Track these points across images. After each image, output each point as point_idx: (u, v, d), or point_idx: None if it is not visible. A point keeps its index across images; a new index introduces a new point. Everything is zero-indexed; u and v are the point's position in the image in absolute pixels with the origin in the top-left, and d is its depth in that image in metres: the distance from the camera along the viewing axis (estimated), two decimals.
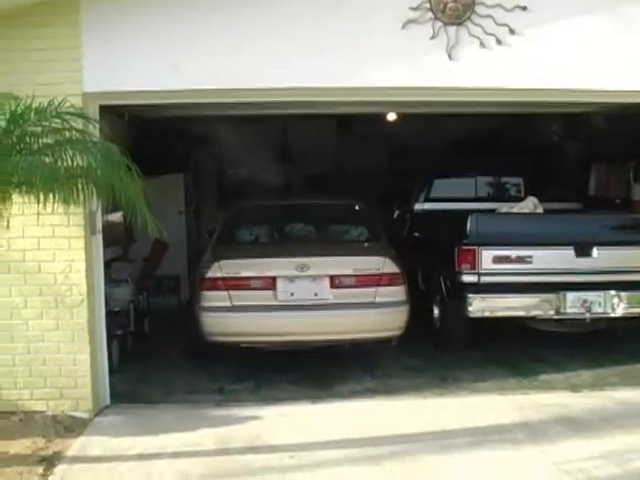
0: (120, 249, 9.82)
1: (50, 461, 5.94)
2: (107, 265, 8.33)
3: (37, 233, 6.79)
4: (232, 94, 7.21)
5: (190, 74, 6.88)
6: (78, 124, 6.01)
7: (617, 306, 8.53)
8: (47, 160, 5.43)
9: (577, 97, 7.80)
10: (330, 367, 8.52)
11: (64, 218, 6.72)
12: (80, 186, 5.60)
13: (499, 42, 7.10)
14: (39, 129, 5.70)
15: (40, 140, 5.65)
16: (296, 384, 8.01)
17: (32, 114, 5.66)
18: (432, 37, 7.02)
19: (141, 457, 6.08)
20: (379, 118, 12.63)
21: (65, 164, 5.50)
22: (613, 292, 8.50)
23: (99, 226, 7.22)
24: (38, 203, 5.49)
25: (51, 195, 5.37)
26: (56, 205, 5.64)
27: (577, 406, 7.16)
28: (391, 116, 12.40)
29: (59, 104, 5.83)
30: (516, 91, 7.37)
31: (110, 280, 8.63)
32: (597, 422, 6.70)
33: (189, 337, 8.70)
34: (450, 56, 7.07)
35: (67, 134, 5.77)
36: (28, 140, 5.64)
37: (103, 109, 7.14)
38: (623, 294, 8.51)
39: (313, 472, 5.71)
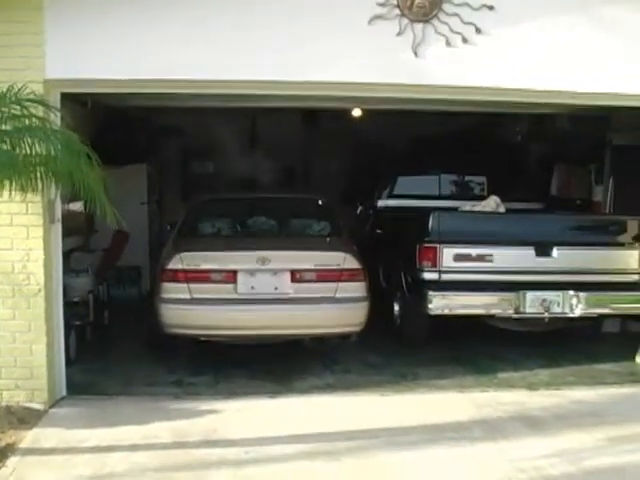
0: (80, 239, 9.72)
1: (3, 453, 5.86)
2: (67, 255, 8.25)
3: None
4: (193, 85, 7.16)
5: (152, 64, 6.82)
6: (39, 111, 5.94)
7: (575, 306, 8.60)
8: (4, 147, 5.36)
9: (542, 98, 7.82)
10: (290, 362, 8.51)
11: (22, 206, 6.62)
12: (39, 174, 5.55)
13: (465, 41, 7.13)
14: None
15: None
16: (255, 378, 7.99)
17: None
18: (398, 34, 7.03)
19: (96, 449, 6.02)
20: (345, 114, 12.62)
21: (24, 152, 5.44)
22: (572, 292, 8.58)
23: (58, 215, 7.13)
24: None
25: (8, 183, 5.30)
26: (14, 193, 5.56)
27: (534, 404, 7.23)
28: (356, 112, 12.39)
29: (19, 90, 5.75)
30: (481, 90, 7.39)
31: (69, 270, 8.53)
32: (553, 420, 6.77)
33: (149, 329, 8.63)
34: (416, 53, 7.08)
35: (27, 121, 5.69)
36: None
37: (65, 97, 7.03)
38: (582, 294, 8.59)
39: (269, 466, 5.70)
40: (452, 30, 7.09)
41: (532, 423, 6.68)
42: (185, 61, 6.86)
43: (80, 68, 6.74)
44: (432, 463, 5.80)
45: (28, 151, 5.46)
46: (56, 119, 6.31)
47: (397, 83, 7.20)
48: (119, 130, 11.88)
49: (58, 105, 6.74)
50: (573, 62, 7.33)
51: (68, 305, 7.80)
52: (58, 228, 7.17)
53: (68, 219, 7.88)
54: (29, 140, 5.46)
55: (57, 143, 5.55)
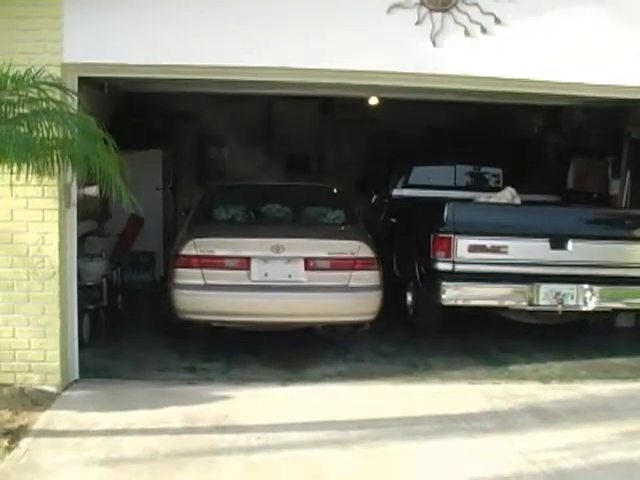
0: (95, 223, 9.73)
1: (16, 434, 5.90)
2: (81, 239, 8.27)
3: (11, 204, 6.71)
4: (211, 72, 7.15)
5: (171, 49, 6.81)
6: (56, 95, 5.95)
7: (589, 300, 8.56)
8: (22, 130, 5.37)
9: (561, 90, 7.78)
10: (302, 350, 8.52)
11: (39, 190, 6.64)
12: (55, 158, 5.55)
13: (484, 31, 7.09)
14: (15, 98, 5.64)
15: (15, 109, 5.59)
16: (267, 366, 8.00)
17: (9, 82, 5.59)
18: (417, 23, 6.99)
19: (108, 433, 6.05)
20: (361, 103, 12.59)
21: (41, 135, 5.45)
22: (586, 286, 8.53)
23: (74, 199, 7.14)
24: (11, 174, 5.42)
25: (25, 166, 5.31)
26: (30, 176, 5.57)
27: (546, 397, 7.22)
28: (373, 100, 12.35)
29: (37, 73, 5.75)
30: (499, 81, 7.34)
31: (84, 254, 8.55)
32: (565, 414, 6.75)
33: (163, 314, 8.65)
34: (434, 43, 7.05)
35: (44, 105, 5.70)
36: (3, 109, 5.58)
37: (82, 81, 7.04)
38: (596, 288, 8.54)
39: (280, 453, 5.71)
40: (471, 20, 7.04)
41: (544, 416, 6.67)
42: (202, 47, 6.85)
43: (97, 52, 6.74)
44: (443, 453, 5.80)
45: (45, 134, 5.47)
46: (73, 103, 6.32)
47: (415, 72, 7.16)
48: (136, 115, 11.89)
49: (75, 89, 6.75)
50: (592, 54, 7.27)
51: (82, 289, 7.81)
52: (73, 212, 7.18)
53: (83, 203, 7.89)
54: (46, 123, 5.47)
55: (74, 127, 5.56)
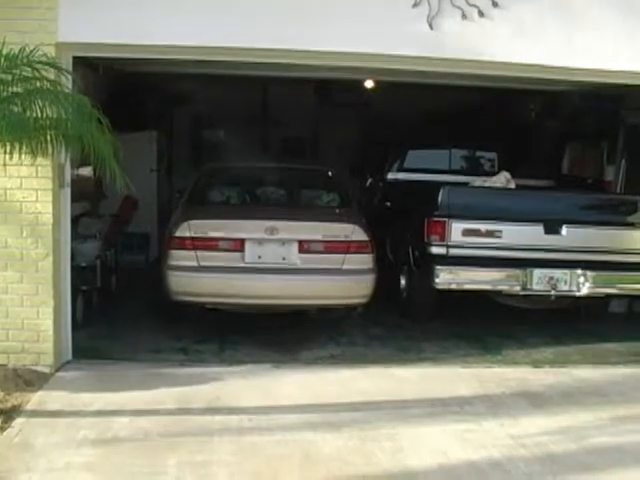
0: (89, 204, 9.71)
1: (8, 414, 5.91)
2: (75, 220, 8.26)
3: (4, 184, 6.69)
4: (209, 52, 7.12)
5: (167, 29, 6.77)
6: (50, 74, 5.92)
7: (583, 285, 8.57)
8: (15, 109, 5.34)
9: (557, 75, 7.79)
10: (295, 332, 8.55)
11: (32, 170, 6.62)
12: (49, 137, 5.54)
13: (481, 14, 7.06)
14: (9, 77, 5.60)
15: (9, 88, 5.56)
16: (260, 348, 8.01)
17: (2, 60, 5.56)
18: (414, 5, 6.95)
19: (101, 413, 6.06)
20: (357, 86, 12.57)
21: (34, 114, 5.42)
22: (579, 271, 8.55)
23: (68, 179, 7.12)
24: (5, 153, 5.41)
25: (18, 145, 5.29)
26: (23, 156, 5.55)
27: (538, 381, 7.24)
28: (369, 84, 12.32)
29: (31, 52, 5.72)
30: (495, 65, 7.33)
31: (78, 235, 8.54)
32: (556, 398, 6.79)
33: (157, 295, 8.65)
34: (431, 26, 7.01)
35: (38, 84, 5.67)
36: None
37: (77, 61, 7.01)
38: (589, 273, 8.56)
39: (271, 435, 5.72)
40: (468, 3, 7.00)
41: (535, 400, 6.69)
42: (200, 28, 6.80)
43: (92, 32, 6.70)
44: (434, 436, 5.81)
45: (39, 114, 5.45)
46: (67, 83, 6.28)
47: (411, 55, 7.14)
48: (131, 96, 11.85)
49: (70, 68, 6.71)
50: (590, 39, 7.25)
51: (76, 270, 7.81)
52: (67, 193, 7.17)
53: (77, 184, 7.87)
54: (40, 103, 5.45)
55: (68, 106, 5.53)
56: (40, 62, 5.76)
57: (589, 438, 5.83)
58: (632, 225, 8.98)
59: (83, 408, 6.12)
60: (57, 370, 6.97)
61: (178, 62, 8.05)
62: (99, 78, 9.34)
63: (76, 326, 7.57)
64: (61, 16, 6.65)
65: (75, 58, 6.94)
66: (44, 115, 5.46)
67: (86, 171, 8.66)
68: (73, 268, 7.49)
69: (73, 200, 7.36)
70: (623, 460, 5.48)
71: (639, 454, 5.59)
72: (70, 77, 6.40)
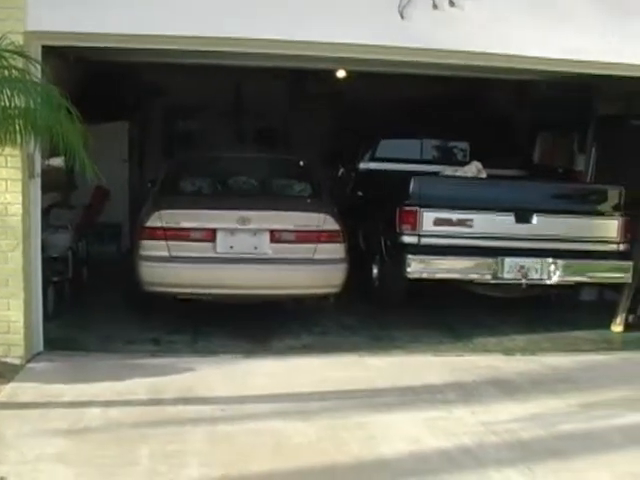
0: (60, 195, 9.66)
1: None
2: (46, 211, 8.20)
3: None
4: (180, 42, 7.10)
5: (138, 18, 6.73)
6: (18, 63, 5.85)
7: (553, 273, 8.64)
8: None
9: (528, 64, 7.81)
10: (268, 322, 8.55)
11: (1, 160, 6.57)
12: (18, 127, 5.49)
13: (452, 4, 7.08)
14: None
15: None
16: (233, 338, 8.01)
17: None
18: None
19: (72, 404, 6.03)
20: (330, 76, 12.54)
21: (2, 104, 5.38)
22: (550, 259, 8.62)
23: (38, 169, 7.07)
24: None
25: None
26: None
27: (508, 369, 7.31)
28: (340, 73, 12.31)
29: None
30: (466, 54, 7.37)
31: (49, 226, 8.48)
32: (527, 385, 6.85)
33: (129, 286, 8.62)
34: (402, 15, 7.02)
35: (6, 72, 5.61)
36: None
37: (48, 51, 6.94)
38: (560, 262, 8.63)
39: (244, 425, 5.72)
40: None
41: (506, 387, 6.75)
42: (169, 15, 6.78)
43: (61, 21, 6.65)
44: (405, 425, 5.84)
45: (7, 103, 5.40)
46: (36, 72, 6.21)
47: (382, 45, 7.15)
48: (102, 87, 11.76)
49: (39, 58, 6.63)
50: (561, 29, 7.30)
51: (47, 261, 7.77)
52: (37, 183, 7.12)
53: (48, 174, 7.81)
54: (8, 92, 5.40)
55: (37, 96, 5.48)
56: (8, 51, 5.70)
57: (559, 424, 5.89)
58: (602, 214, 9.08)
59: (54, 399, 6.09)
60: (28, 361, 6.94)
61: (148, 51, 7.98)
62: (70, 68, 9.26)
63: (47, 317, 7.52)
64: (30, 4, 6.60)
65: (45, 47, 6.87)
66: (12, 104, 5.42)
67: (57, 161, 8.60)
68: (44, 259, 7.45)
69: (43, 190, 7.30)
70: (591, 446, 5.54)
71: (607, 440, 5.66)
72: (39, 66, 6.33)
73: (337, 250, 8.22)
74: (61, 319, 8.17)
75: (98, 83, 11.49)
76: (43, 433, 5.46)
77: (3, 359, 6.80)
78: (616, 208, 9.03)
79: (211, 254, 8.05)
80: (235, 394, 6.38)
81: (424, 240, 8.62)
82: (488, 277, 8.63)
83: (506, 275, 8.60)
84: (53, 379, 6.55)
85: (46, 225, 7.99)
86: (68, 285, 9.14)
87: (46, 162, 7.93)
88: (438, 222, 8.62)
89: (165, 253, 7.97)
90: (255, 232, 8.12)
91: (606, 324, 8.91)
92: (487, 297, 9.17)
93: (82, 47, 7.80)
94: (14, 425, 5.58)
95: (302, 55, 7.81)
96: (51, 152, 7.58)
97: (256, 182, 9.26)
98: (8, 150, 6.15)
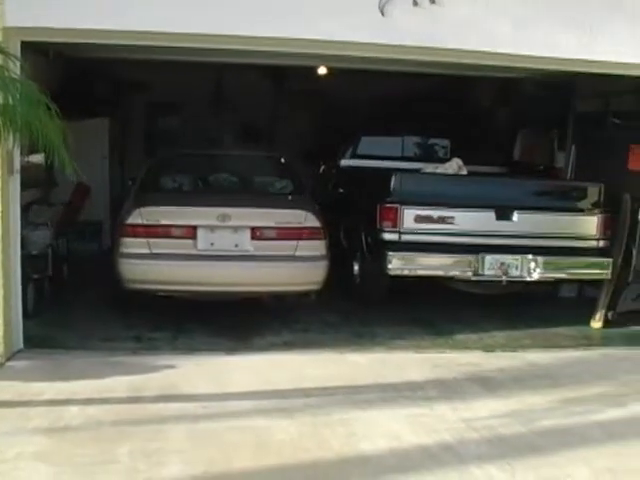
0: (40, 192, 9.60)
1: None
2: (26, 208, 8.15)
3: None
4: (156, 38, 7.07)
5: (119, 14, 6.70)
6: None
7: (533, 270, 8.67)
8: None
9: (507, 62, 7.85)
10: (249, 320, 8.53)
11: None
12: None
13: (432, 1, 7.11)
14: None
15: None
16: (215, 335, 8.00)
17: None
18: None
19: (52, 403, 6.00)
20: (311, 73, 12.53)
21: None
22: (530, 256, 8.65)
23: (17, 166, 7.03)
24: None
25: None
26: None
27: (489, 366, 7.34)
28: (321, 70, 12.31)
29: None
30: (447, 52, 7.42)
31: (28, 223, 8.43)
32: (507, 382, 6.88)
33: (110, 284, 8.59)
34: (382, 12, 7.03)
35: None
36: None
37: (27, 47, 6.90)
38: (540, 259, 8.66)
39: (225, 422, 5.72)
40: None
41: (487, 384, 6.78)
42: (150, 12, 6.75)
43: (40, 16, 6.62)
44: (386, 421, 5.85)
45: None
46: (15, 68, 6.17)
47: (362, 42, 7.19)
48: (82, 83, 11.71)
49: (18, 54, 6.59)
50: (540, 26, 7.34)
51: (26, 258, 7.72)
52: (17, 179, 7.07)
53: (28, 171, 7.77)
54: None
55: (16, 92, 5.43)
56: None
57: (538, 420, 5.92)
58: (582, 211, 9.13)
59: (34, 397, 6.06)
60: (8, 360, 6.89)
61: (126, 48, 7.96)
62: (50, 64, 9.20)
63: (27, 315, 7.50)
64: (8, 0, 6.54)
65: (24, 43, 6.83)
66: None
67: (37, 158, 8.56)
68: (24, 256, 7.41)
69: (23, 187, 7.25)
70: (570, 442, 5.57)
71: (586, 435, 5.69)
72: (18, 62, 6.29)
73: (318, 247, 8.22)
74: (41, 317, 8.13)
75: (78, 79, 11.45)
76: (23, 432, 5.43)
77: None
78: (595, 205, 9.08)
79: (192, 251, 8.03)
80: (216, 391, 6.36)
81: (405, 237, 8.64)
82: (469, 274, 8.65)
83: (487, 272, 8.64)
84: (33, 377, 6.52)
85: (26, 222, 7.94)
86: (48, 282, 9.08)
87: (26, 158, 7.87)
88: (419, 219, 8.64)
89: (146, 250, 7.95)
90: (236, 229, 8.11)
91: (586, 320, 8.97)
92: (468, 294, 9.22)
93: (61, 43, 7.78)
94: None
95: (281, 52, 7.81)
96: (30, 148, 7.53)
97: (237, 179, 9.25)
98: None
